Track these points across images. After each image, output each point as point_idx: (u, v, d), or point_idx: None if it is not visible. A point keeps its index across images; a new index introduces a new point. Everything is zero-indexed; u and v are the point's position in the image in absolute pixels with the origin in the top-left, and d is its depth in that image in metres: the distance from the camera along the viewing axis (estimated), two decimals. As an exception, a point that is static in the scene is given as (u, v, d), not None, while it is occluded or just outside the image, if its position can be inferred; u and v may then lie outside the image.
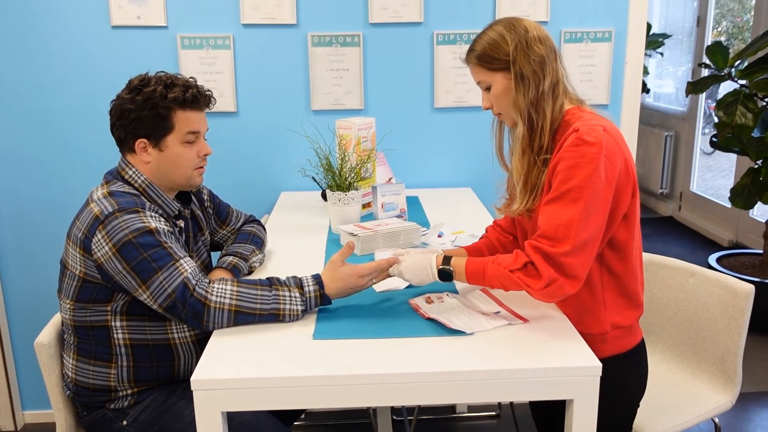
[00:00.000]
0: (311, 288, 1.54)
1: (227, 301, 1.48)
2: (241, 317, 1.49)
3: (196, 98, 1.67)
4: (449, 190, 2.75)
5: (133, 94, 1.63)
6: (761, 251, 3.71)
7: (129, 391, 1.65)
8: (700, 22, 5.30)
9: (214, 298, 1.48)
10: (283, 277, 1.57)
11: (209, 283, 1.51)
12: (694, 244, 5.02)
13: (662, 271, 2.05)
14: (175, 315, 1.51)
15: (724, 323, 1.84)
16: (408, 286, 1.69)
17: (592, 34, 2.68)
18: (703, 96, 5.28)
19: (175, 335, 1.66)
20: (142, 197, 1.64)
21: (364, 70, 2.67)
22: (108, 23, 2.58)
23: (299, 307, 1.51)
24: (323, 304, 1.55)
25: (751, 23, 4.74)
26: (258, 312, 1.49)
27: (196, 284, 1.50)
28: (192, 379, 1.28)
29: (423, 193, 2.69)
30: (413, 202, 2.53)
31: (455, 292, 1.66)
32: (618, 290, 1.55)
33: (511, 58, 1.49)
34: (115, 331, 1.62)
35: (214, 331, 1.48)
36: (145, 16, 2.58)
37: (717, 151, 5.06)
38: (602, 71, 2.71)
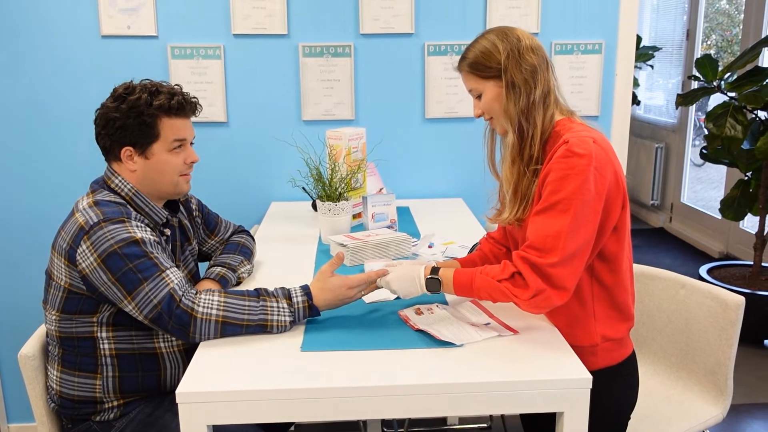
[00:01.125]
0: (300, 299, 1.52)
1: (214, 312, 1.46)
2: (229, 328, 1.47)
3: (182, 105, 1.66)
4: (440, 200, 2.74)
5: (117, 102, 1.62)
6: (752, 263, 3.72)
7: (115, 403, 1.63)
8: (690, 35, 5.35)
9: (200, 309, 1.47)
10: (271, 288, 1.55)
11: (196, 293, 1.50)
12: (684, 255, 5.03)
13: (653, 283, 2.04)
14: (161, 326, 1.49)
15: (715, 335, 1.84)
16: (397, 298, 1.67)
17: (582, 46, 2.69)
18: (693, 108, 5.31)
19: (162, 345, 1.64)
20: (129, 206, 1.62)
21: (354, 80, 2.67)
22: (98, 33, 2.57)
23: (287, 318, 1.50)
24: (312, 316, 1.54)
25: (740, 37, 4.78)
26: (245, 323, 1.47)
27: (183, 295, 1.48)
28: (177, 391, 1.26)
29: (414, 203, 2.68)
30: (404, 213, 2.52)
31: (445, 303, 1.65)
32: (608, 302, 1.55)
33: (503, 67, 1.49)
34: (101, 342, 1.60)
35: (201, 343, 1.46)
36: (135, 26, 2.57)
37: (707, 163, 5.09)
38: (592, 83, 2.72)
